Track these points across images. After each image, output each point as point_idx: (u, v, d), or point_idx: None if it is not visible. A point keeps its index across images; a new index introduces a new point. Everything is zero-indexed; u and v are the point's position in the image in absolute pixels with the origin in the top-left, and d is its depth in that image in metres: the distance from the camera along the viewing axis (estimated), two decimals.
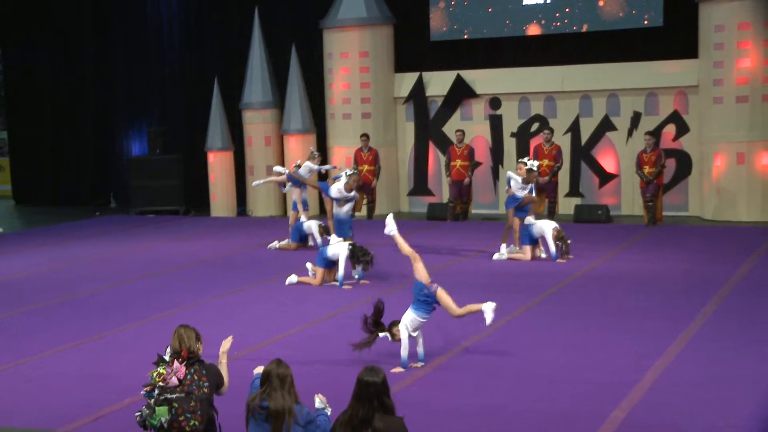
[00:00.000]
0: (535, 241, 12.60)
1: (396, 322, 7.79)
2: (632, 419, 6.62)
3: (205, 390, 5.50)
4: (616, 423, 6.56)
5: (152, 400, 5.46)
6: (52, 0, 21.10)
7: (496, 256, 12.70)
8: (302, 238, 14.04)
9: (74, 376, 8.14)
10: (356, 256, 11.16)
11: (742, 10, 15.29)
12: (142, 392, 5.59)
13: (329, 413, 5.47)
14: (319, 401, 5.56)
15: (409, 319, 7.74)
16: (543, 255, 12.60)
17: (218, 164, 18.61)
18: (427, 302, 7.79)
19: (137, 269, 12.97)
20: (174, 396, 5.42)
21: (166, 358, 5.56)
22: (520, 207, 12.59)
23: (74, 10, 20.99)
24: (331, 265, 11.40)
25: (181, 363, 5.49)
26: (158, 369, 5.52)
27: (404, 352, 7.71)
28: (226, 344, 5.96)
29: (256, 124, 18.56)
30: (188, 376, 5.47)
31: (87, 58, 21.02)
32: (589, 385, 7.37)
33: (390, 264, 12.43)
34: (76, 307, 10.82)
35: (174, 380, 5.43)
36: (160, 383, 5.45)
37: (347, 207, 12.20)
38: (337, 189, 12.13)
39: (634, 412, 6.75)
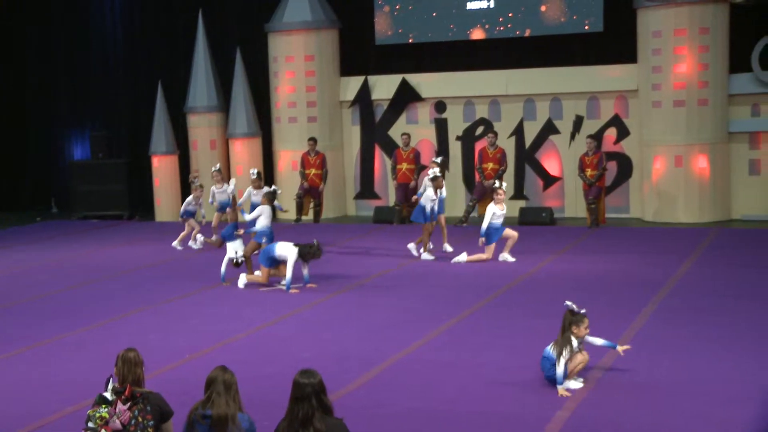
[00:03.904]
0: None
1: None
2: (576, 418, 6.75)
3: (150, 430, 5.27)
4: (561, 422, 6.68)
5: None
6: None
7: (455, 260, 12.73)
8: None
9: (15, 384, 8.00)
10: (305, 256, 11.11)
11: (677, 17, 15.67)
12: None
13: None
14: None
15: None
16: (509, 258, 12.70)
17: (163, 168, 18.43)
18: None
19: (80, 275, 12.79)
20: None
21: (108, 396, 5.23)
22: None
23: (14, 10, 20.58)
24: (275, 263, 11.31)
25: (124, 403, 5.19)
26: (100, 411, 5.18)
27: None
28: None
29: (201, 127, 18.42)
30: (132, 420, 5.19)
31: (27, 59, 20.63)
32: (534, 386, 7.49)
33: (336, 267, 12.46)
34: (16, 315, 10.62)
35: (117, 424, 5.15)
36: (103, 430, 5.15)
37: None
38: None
39: (578, 412, 6.88)
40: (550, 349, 7.34)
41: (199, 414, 5.13)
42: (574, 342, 7.27)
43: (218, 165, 14.95)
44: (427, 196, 12.94)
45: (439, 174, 13.04)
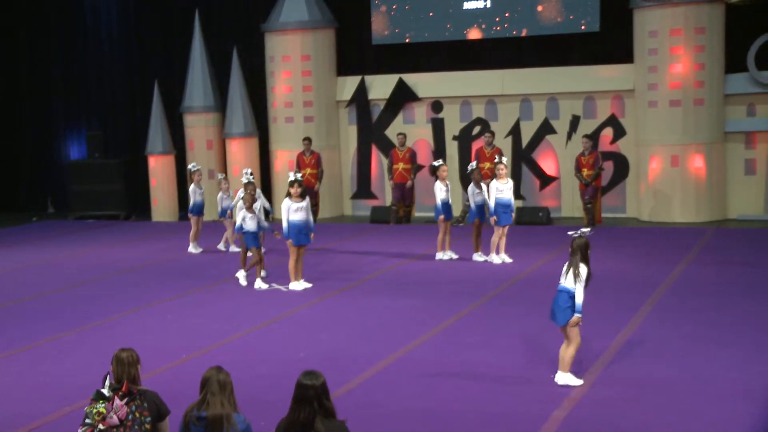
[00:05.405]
0: None
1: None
2: (573, 418, 6.76)
3: (147, 426, 5.25)
4: (558, 422, 6.69)
5: None
6: None
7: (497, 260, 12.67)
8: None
9: (10, 385, 7.99)
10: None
11: (674, 17, 15.70)
12: (79, 431, 5.29)
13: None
14: None
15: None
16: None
17: (159, 168, 18.41)
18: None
19: (77, 275, 12.78)
20: None
21: (105, 392, 5.21)
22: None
23: (11, 10, 20.55)
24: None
25: (121, 399, 5.19)
26: (97, 407, 5.17)
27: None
28: None
29: (198, 127, 18.42)
30: (130, 416, 5.19)
31: (23, 59, 20.61)
32: (531, 385, 7.50)
33: (332, 267, 12.46)
34: (13, 315, 10.61)
35: (114, 419, 5.13)
36: (100, 425, 5.14)
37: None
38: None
39: (575, 411, 6.89)
40: (565, 280, 7.45)
41: (194, 416, 5.11)
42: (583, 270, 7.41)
43: (249, 170, 13.31)
44: (471, 193, 12.74)
45: (476, 167, 12.96)
